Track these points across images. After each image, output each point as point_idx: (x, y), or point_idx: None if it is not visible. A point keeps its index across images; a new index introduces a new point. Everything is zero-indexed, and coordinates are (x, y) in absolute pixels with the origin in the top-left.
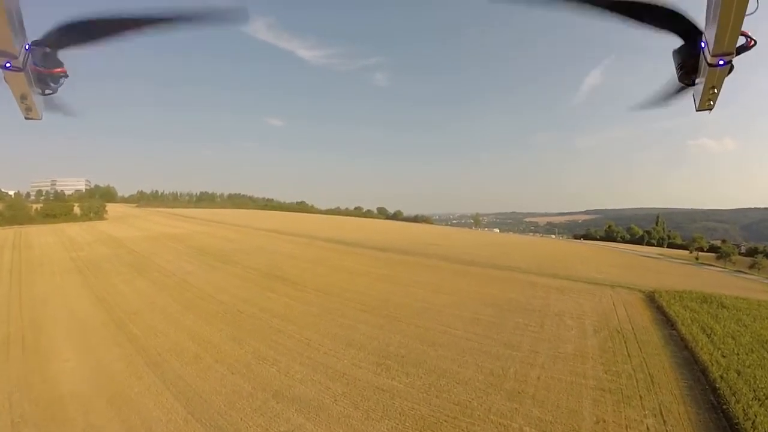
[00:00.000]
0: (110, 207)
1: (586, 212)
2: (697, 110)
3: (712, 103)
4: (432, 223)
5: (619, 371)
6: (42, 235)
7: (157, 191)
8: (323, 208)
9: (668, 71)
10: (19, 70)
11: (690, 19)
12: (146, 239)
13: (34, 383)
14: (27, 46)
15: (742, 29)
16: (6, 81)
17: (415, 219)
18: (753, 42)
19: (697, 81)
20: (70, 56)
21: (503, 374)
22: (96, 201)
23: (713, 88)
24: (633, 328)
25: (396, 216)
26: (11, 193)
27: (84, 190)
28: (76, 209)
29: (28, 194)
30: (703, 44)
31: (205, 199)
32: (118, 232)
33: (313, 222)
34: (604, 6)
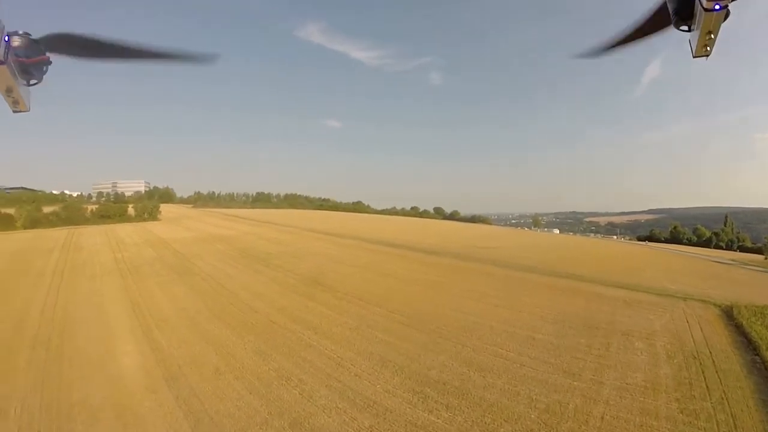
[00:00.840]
0: (166, 208)
1: (649, 212)
2: (694, 56)
3: (709, 49)
4: (490, 224)
5: (696, 410)
6: (93, 236)
7: (213, 192)
8: (379, 208)
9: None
10: (0, 63)
11: None
12: (194, 241)
13: (50, 389)
14: (6, 38)
15: None
16: None
17: (473, 219)
18: None
19: (693, 27)
20: None
21: (561, 411)
22: (150, 202)
23: (710, 33)
24: (711, 353)
25: (453, 216)
26: (74, 194)
27: (143, 192)
28: (131, 210)
29: (89, 196)
30: None
31: (261, 200)
32: (167, 233)
33: (367, 223)
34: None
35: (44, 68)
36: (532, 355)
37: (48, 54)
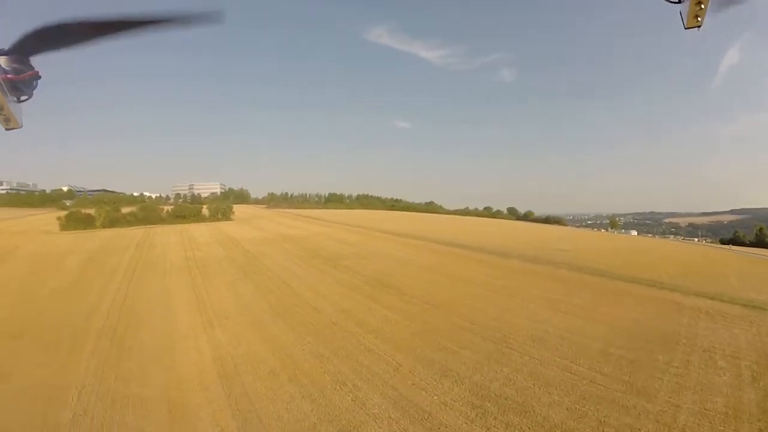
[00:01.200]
0: (240, 208)
1: (732, 212)
2: (685, 28)
3: (699, 19)
4: (564, 225)
5: None
6: (166, 235)
7: (286, 193)
8: (451, 208)
9: None
10: None
11: None
12: (263, 240)
13: (108, 378)
14: None
15: None
16: None
17: (546, 220)
18: None
19: None
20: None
21: None
22: (224, 202)
23: (699, 3)
24: None
25: (526, 217)
26: (153, 196)
27: (219, 193)
28: (205, 210)
29: (167, 197)
30: None
31: (333, 201)
32: (238, 232)
33: (438, 224)
34: None
35: (34, 83)
36: (604, 371)
37: (34, 54)
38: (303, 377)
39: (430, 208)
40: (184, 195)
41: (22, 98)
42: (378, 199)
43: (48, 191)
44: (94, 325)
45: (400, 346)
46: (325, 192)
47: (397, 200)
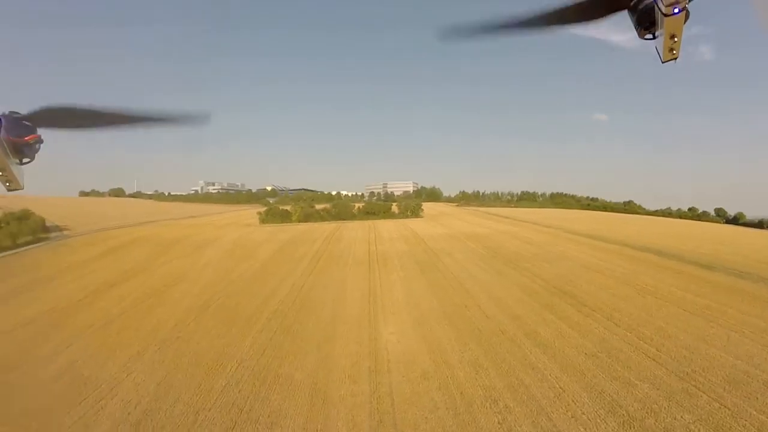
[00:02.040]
0: (430, 206)
1: None
2: (663, 62)
3: (675, 52)
4: None
5: None
6: (354, 230)
7: (478, 191)
8: (651, 209)
9: None
10: None
11: None
12: (447, 237)
13: (267, 357)
14: None
15: None
16: None
17: (760, 224)
18: None
19: (657, 34)
20: None
21: None
22: (413, 200)
23: (673, 37)
24: None
25: (736, 220)
26: (349, 194)
27: (411, 191)
28: (395, 208)
29: (361, 195)
30: None
31: (525, 199)
32: (423, 229)
33: (635, 225)
34: (553, 21)
35: (36, 146)
36: None
37: (39, 130)
38: (454, 386)
39: (627, 207)
40: (378, 193)
41: (25, 161)
42: (572, 197)
43: (254, 190)
44: (270, 307)
45: (569, 367)
46: (518, 190)
47: (592, 199)
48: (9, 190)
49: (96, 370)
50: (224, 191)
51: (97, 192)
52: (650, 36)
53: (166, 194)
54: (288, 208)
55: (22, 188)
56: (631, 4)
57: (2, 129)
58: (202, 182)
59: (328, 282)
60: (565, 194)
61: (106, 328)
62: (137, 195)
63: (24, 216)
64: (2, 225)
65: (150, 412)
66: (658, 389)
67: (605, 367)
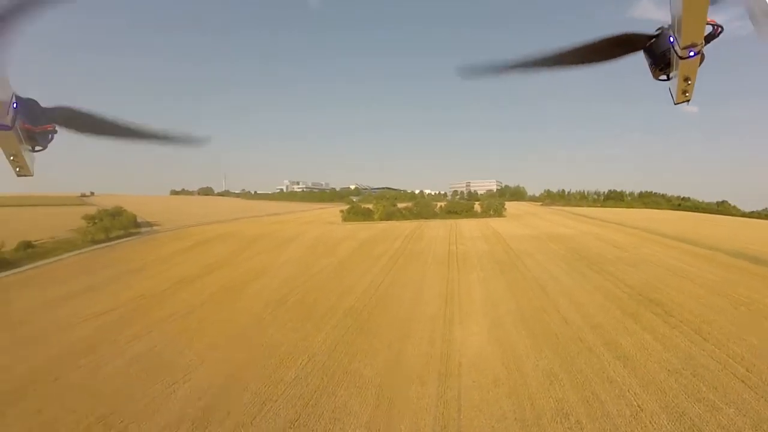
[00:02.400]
0: (514, 205)
1: None
2: (675, 104)
3: (688, 94)
4: None
5: None
6: (436, 229)
7: (563, 190)
8: (747, 210)
9: None
10: (7, 128)
11: (643, 33)
12: (529, 238)
13: (338, 353)
14: (15, 105)
15: (708, 18)
16: None
17: None
18: (720, 29)
19: (671, 75)
20: None
21: None
22: (496, 199)
23: (687, 79)
24: None
25: None
26: (432, 193)
27: (495, 190)
28: (477, 207)
29: (445, 194)
30: (671, 39)
31: (612, 198)
32: (505, 229)
33: (729, 228)
34: (567, 60)
35: (50, 136)
36: None
37: (56, 123)
38: (525, 396)
39: (721, 208)
40: (461, 192)
41: (37, 148)
42: (662, 197)
43: (338, 189)
44: (345, 304)
45: (649, 383)
46: (605, 189)
47: (684, 199)
48: (18, 176)
49: (173, 356)
50: (308, 190)
51: (187, 191)
52: (664, 77)
53: (253, 192)
54: (370, 206)
55: (32, 175)
56: (647, 45)
57: (19, 114)
58: (287, 181)
59: (406, 280)
60: (655, 193)
61: (186, 317)
62: (225, 193)
63: (117, 213)
64: (96, 221)
65: (218, 399)
66: (744, 415)
67: (689, 386)
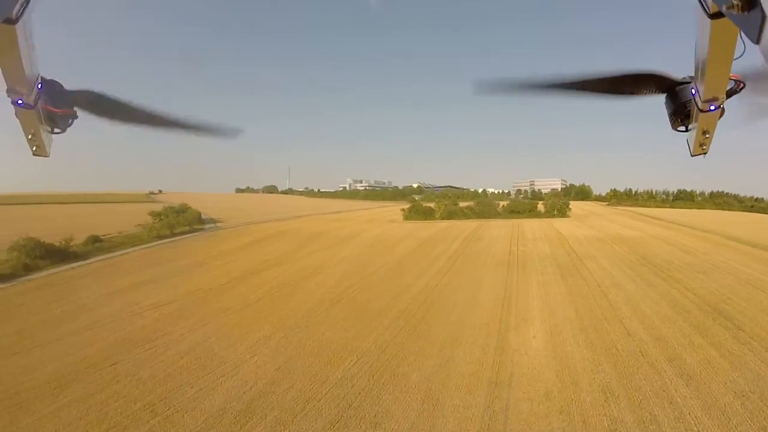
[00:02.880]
0: (579, 205)
1: None
2: (692, 156)
3: (705, 147)
4: None
5: None
6: (497, 228)
7: (630, 189)
8: None
9: None
10: (30, 107)
11: (670, 77)
12: (593, 240)
13: (388, 354)
14: (39, 85)
15: (731, 73)
16: (17, 117)
17: None
18: (742, 85)
19: (690, 127)
20: None
21: None
22: (560, 199)
23: (705, 132)
24: None
25: None
26: (496, 192)
27: (559, 189)
28: (540, 206)
29: (508, 193)
30: (693, 91)
31: (682, 198)
32: (569, 230)
33: None
34: (587, 88)
35: (70, 120)
36: None
37: (76, 109)
38: (577, 412)
39: None
40: (525, 191)
41: (56, 131)
42: (734, 197)
43: (400, 188)
44: (399, 305)
45: (713, 406)
46: (674, 189)
47: (757, 200)
48: (34, 155)
49: (224, 348)
50: (371, 188)
51: (252, 189)
52: (683, 128)
53: (316, 191)
54: (432, 205)
55: (48, 155)
56: (675, 90)
57: (40, 96)
58: (350, 179)
59: (462, 282)
60: (726, 194)
61: (242, 311)
62: (289, 191)
63: (182, 209)
64: (162, 217)
65: (263, 394)
66: None
67: (755, 411)
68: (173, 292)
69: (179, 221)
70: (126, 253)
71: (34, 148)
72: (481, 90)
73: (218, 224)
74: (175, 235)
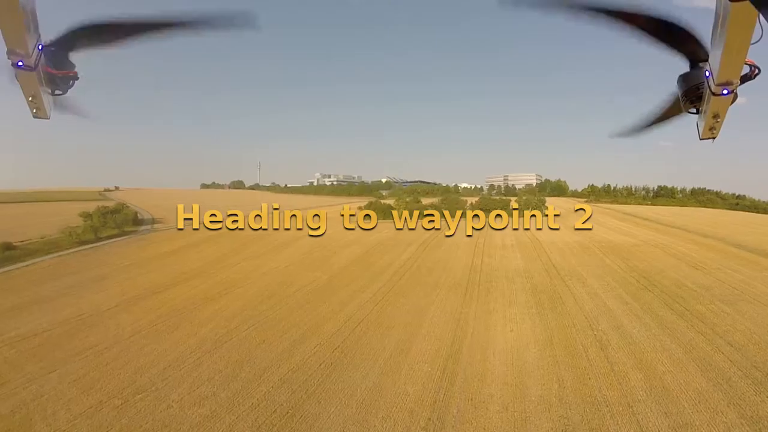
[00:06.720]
0: (556, 202)
1: None
2: (700, 139)
3: (715, 131)
4: None
5: None
6: (461, 231)
7: (608, 185)
8: None
9: None
10: (30, 69)
11: (702, 43)
12: (576, 249)
13: None
14: (40, 47)
15: (747, 58)
16: (17, 79)
17: None
18: (757, 71)
19: (701, 109)
20: None
21: None
22: (535, 196)
23: (716, 116)
24: None
25: None
26: (470, 187)
27: (534, 185)
28: (513, 204)
29: (481, 188)
30: (707, 73)
31: (662, 195)
32: (547, 234)
33: None
34: (619, 17)
35: (70, 82)
36: None
37: (77, 50)
38: None
39: None
40: (498, 186)
41: (56, 92)
42: (717, 194)
43: (369, 182)
44: (294, 359)
45: None
46: (652, 185)
47: (739, 197)
48: (35, 117)
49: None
50: (337, 183)
51: (218, 184)
52: (694, 111)
53: (282, 186)
54: (391, 202)
55: (48, 118)
56: (696, 62)
57: (41, 57)
58: (318, 174)
59: (398, 317)
60: (708, 190)
61: (102, 354)
62: (255, 187)
63: (116, 209)
64: (85, 219)
65: None
66: None
67: None
68: (51, 317)
69: (108, 223)
70: (33, 263)
71: (34, 111)
72: (506, 3)
73: (156, 225)
74: (100, 239)
